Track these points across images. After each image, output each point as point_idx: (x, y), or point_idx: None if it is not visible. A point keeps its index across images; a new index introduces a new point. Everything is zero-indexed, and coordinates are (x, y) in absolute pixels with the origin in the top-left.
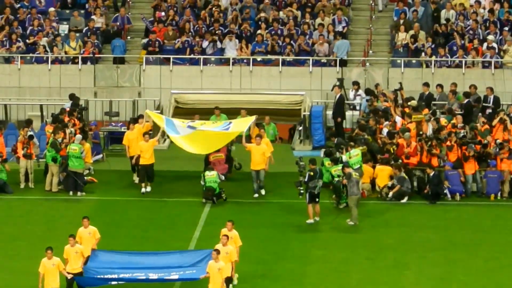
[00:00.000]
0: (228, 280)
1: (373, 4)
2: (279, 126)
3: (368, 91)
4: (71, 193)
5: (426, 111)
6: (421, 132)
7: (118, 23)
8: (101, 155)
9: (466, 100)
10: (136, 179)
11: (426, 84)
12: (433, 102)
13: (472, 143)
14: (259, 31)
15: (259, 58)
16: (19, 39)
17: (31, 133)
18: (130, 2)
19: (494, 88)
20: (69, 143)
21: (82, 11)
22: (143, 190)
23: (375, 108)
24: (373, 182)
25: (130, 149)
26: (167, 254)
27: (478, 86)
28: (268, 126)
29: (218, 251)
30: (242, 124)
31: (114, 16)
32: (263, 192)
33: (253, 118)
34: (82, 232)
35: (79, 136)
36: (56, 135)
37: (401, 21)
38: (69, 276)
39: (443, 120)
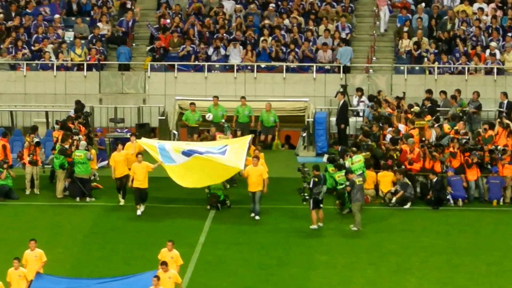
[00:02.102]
0: None
1: (376, 10)
2: (282, 134)
3: (371, 98)
4: (77, 199)
5: (428, 117)
6: (423, 139)
7: (123, 28)
8: (106, 162)
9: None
10: (121, 201)
11: (429, 91)
12: (436, 109)
13: (475, 150)
14: (263, 38)
15: (263, 65)
16: (24, 46)
17: (37, 139)
18: (135, 9)
19: (495, 94)
20: (75, 149)
21: (87, 18)
22: (138, 212)
23: (379, 114)
24: (376, 188)
25: (116, 171)
26: (113, 281)
27: (480, 92)
28: (268, 113)
29: (158, 278)
30: (239, 146)
31: (120, 19)
32: (257, 218)
33: (249, 138)
34: (28, 255)
35: (83, 142)
36: (64, 142)
37: (406, 28)
38: None
39: (446, 127)
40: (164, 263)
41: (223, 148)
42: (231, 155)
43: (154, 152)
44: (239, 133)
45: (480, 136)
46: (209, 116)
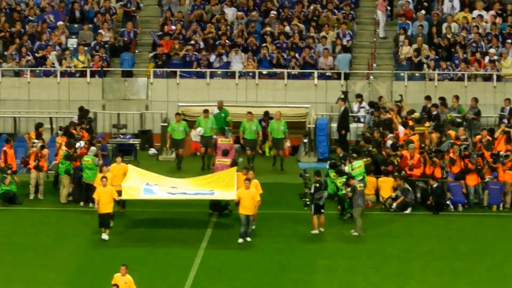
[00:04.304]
0: None
1: (376, 17)
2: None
3: (371, 104)
4: (81, 203)
5: (428, 123)
6: (422, 145)
7: (125, 38)
8: (108, 167)
9: (435, 112)
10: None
11: (428, 98)
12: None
13: (475, 155)
14: (264, 45)
15: (264, 71)
16: (28, 52)
17: (40, 143)
18: (138, 17)
19: (495, 101)
20: (82, 155)
21: (90, 25)
22: (104, 236)
23: (379, 120)
24: (377, 194)
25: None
26: None
27: (479, 98)
28: (278, 122)
29: None
30: (227, 184)
31: (121, 30)
32: (249, 239)
33: (234, 171)
34: None
35: (93, 148)
36: (71, 148)
37: (401, 37)
38: None
39: (453, 133)
40: (116, 286)
41: (210, 192)
42: (220, 194)
43: (135, 194)
44: (248, 151)
45: (481, 143)
46: (200, 131)
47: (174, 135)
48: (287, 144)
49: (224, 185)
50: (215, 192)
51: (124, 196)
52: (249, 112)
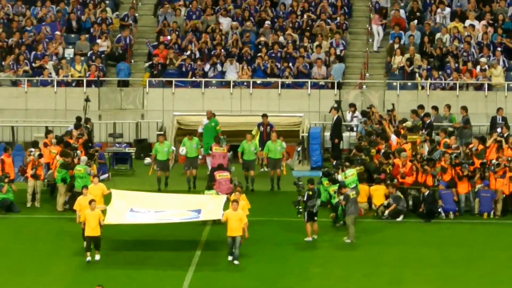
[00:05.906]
0: None
1: (369, 28)
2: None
3: (364, 113)
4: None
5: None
6: (414, 153)
7: (122, 43)
8: (107, 175)
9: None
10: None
11: (421, 107)
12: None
13: (466, 164)
14: (259, 54)
15: (258, 81)
16: (26, 61)
17: (37, 152)
18: (133, 28)
19: (486, 109)
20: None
21: (87, 35)
22: (88, 258)
23: (371, 129)
24: (369, 201)
25: (82, 215)
26: None
27: (471, 107)
28: (275, 143)
29: None
30: (214, 206)
31: (117, 37)
32: (236, 262)
33: (224, 197)
34: None
35: (84, 157)
36: (68, 157)
37: (396, 46)
38: None
39: (447, 140)
40: None
41: (196, 215)
42: (206, 215)
43: (119, 219)
44: (246, 172)
45: (473, 151)
46: (183, 150)
47: (158, 156)
48: (284, 163)
49: (211, 206)
50: (201, 214)
51: (107, 221)
52: (249, 133)
